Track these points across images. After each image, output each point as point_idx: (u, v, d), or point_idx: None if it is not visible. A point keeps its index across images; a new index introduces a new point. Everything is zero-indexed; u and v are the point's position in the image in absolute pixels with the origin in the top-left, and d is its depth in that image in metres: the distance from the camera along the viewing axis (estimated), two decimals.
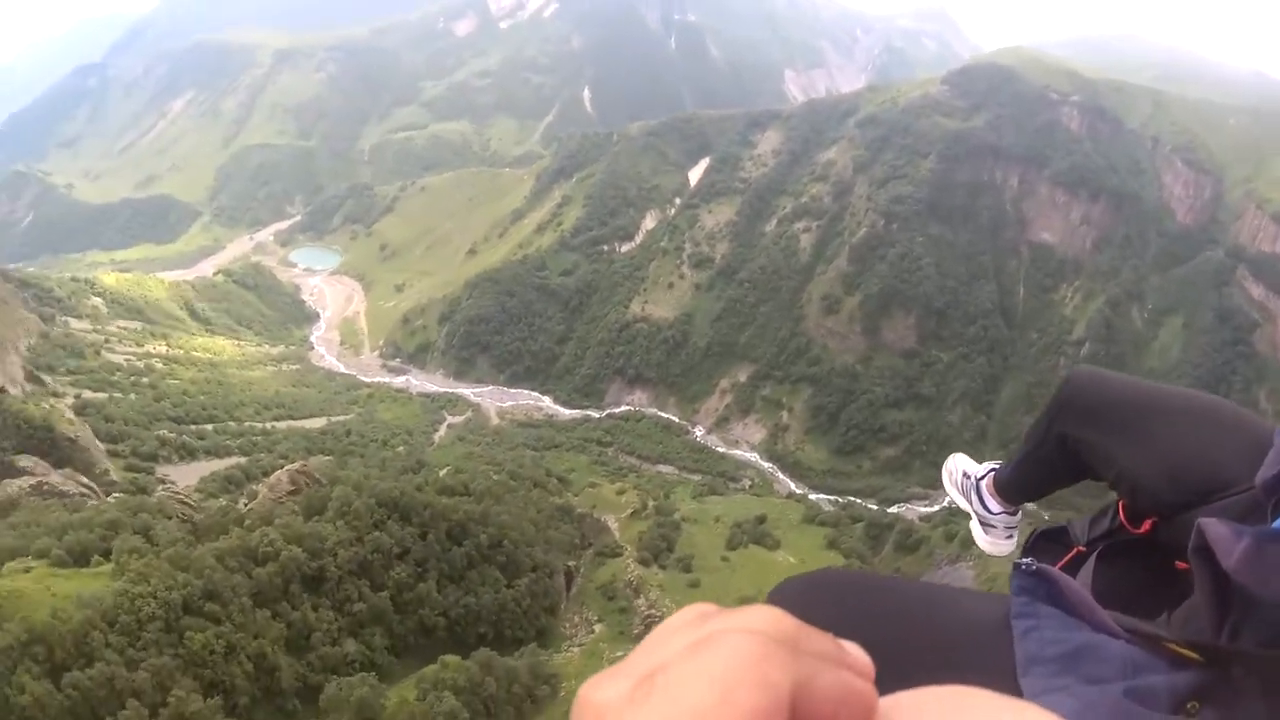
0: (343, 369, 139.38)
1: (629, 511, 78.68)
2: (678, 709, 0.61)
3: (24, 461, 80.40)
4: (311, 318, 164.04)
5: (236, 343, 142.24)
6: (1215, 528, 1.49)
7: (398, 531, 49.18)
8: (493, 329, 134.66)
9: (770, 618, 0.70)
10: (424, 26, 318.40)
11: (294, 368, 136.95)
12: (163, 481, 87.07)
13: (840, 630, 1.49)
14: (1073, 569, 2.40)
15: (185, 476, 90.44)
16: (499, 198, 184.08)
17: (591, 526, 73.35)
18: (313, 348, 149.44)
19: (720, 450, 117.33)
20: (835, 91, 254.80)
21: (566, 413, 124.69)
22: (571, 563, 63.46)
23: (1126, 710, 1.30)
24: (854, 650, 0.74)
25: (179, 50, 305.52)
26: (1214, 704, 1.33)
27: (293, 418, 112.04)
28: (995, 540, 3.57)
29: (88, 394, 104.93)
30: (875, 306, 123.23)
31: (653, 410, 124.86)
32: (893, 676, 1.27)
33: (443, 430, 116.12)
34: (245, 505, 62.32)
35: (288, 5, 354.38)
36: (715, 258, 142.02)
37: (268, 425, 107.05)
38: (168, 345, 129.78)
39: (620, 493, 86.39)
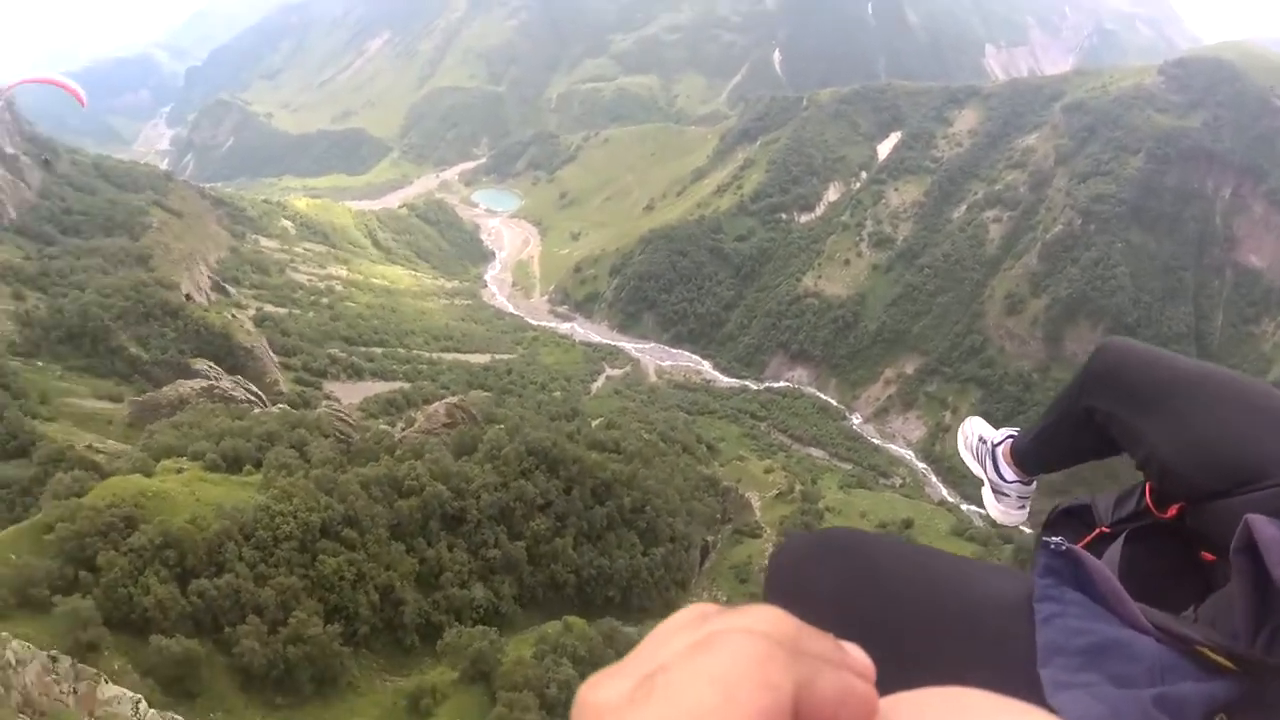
0: (511, 309, 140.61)
1: (774, 492, 75.99)
2: (678, 710, 0.60)
3: (199, 364, 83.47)
4: (487, 257, 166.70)
5: (413, 273, 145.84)
6: (1267, 529, 1.42)
7: (543, 483, 48.01)
8: (661, 286, 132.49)
9: (771, 618, 0.69)
10: None
11: (465, 303, 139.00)
12: (328, 397, 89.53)
13: (846, 594, 1.57)
14: (1094, 550, 2.21)
15: (350, 395, 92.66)
16: (681, 155, 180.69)
17: (734, 502, 70.38)
18: (485, 286, 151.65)
19: (875, 442, 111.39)
20: (1039, 72, 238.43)
21: (724, 380, 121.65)
22: (710, 537, 61.19)
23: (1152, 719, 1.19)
24: (854, 651, 0.72)
25: None
26: (1243, 718, 1.25)
27: (459, 351, 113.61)
28: (1007, 509, 3.43)
29: (269, 308, 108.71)
30: (1061, 312, 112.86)
31: (811, 390, 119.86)
32: (895, 649, 1.36)
33: (600, 381, 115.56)
34: (401, 430, 62.49)
35: None
36: (897, 239, 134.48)
37: (434, 355, 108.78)
38: (348, 270, 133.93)
39: (768, 471, 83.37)
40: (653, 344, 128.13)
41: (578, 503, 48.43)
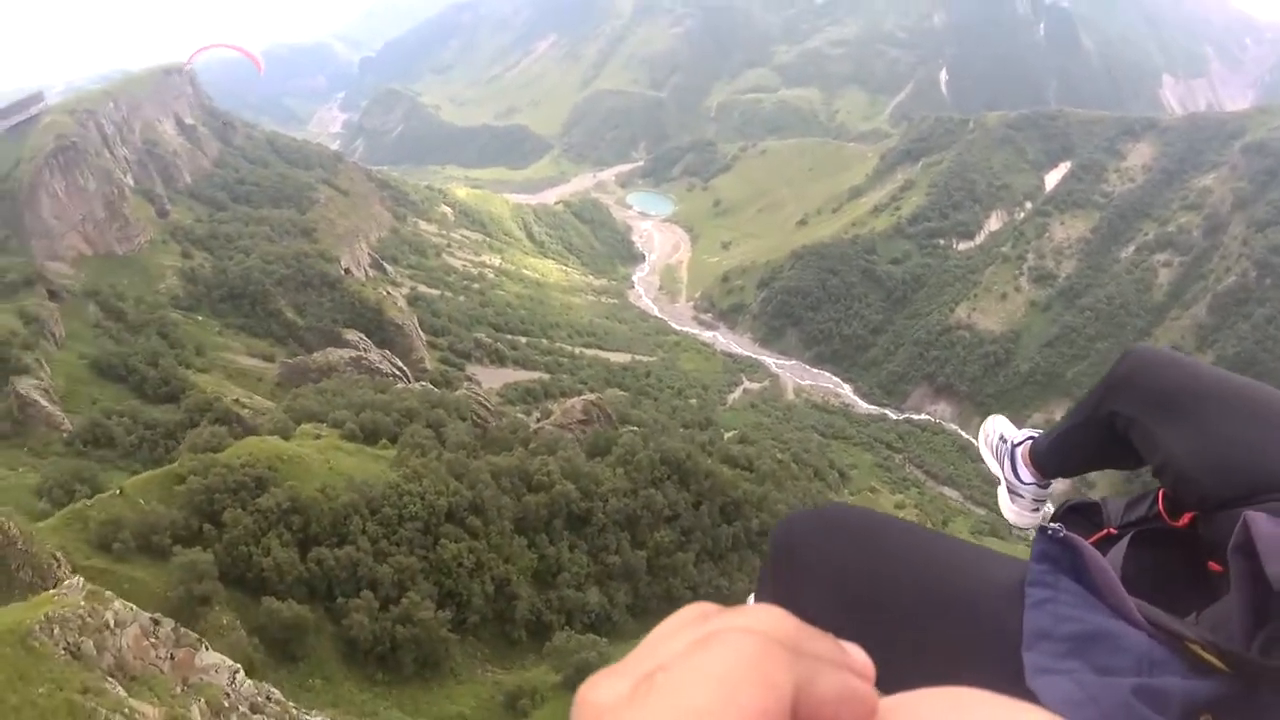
0: (656, 312, 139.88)
1: None
2: (678, 709, 0.58)
3: (350, 335, 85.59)
4: (637, 258, 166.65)
5: (563, 268, 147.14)
6: (1264, 524, 1.41)
7: (673, 494, 46.51)
8: (809, 304, 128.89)
9: (771, 617, 0.68)
10: None
11: (611, 301, 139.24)
12: (469, 379, 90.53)
13: (846, 573, 1.58)
14: (1100, 549, 2.04)
15: (491, 379, 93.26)
16: (839, 171, 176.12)
17: None
18: (632, 286, 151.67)
19: None
20: (1218, 106, 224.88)
21: (863, 406, 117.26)
22: None
23: (1131, 710, 1.18)
24: (854, 651, 0.71)
25: None
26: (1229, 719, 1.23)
27: (600, 348, 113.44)
28: (1021, 510, 3.38)
29: (422, 288, 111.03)
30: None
31: (953, 426, 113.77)
32: (890, 630, 1.37)
33: (737, 393, 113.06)
34: (537, 421, 62.03)
35: None
36: (1059, 276, 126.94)
37: (576, 350, 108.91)
38: (501, 259, 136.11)
39: (899, 506, 79.16)
40: (794, 361, 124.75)
41: (705, 519, 46.65)
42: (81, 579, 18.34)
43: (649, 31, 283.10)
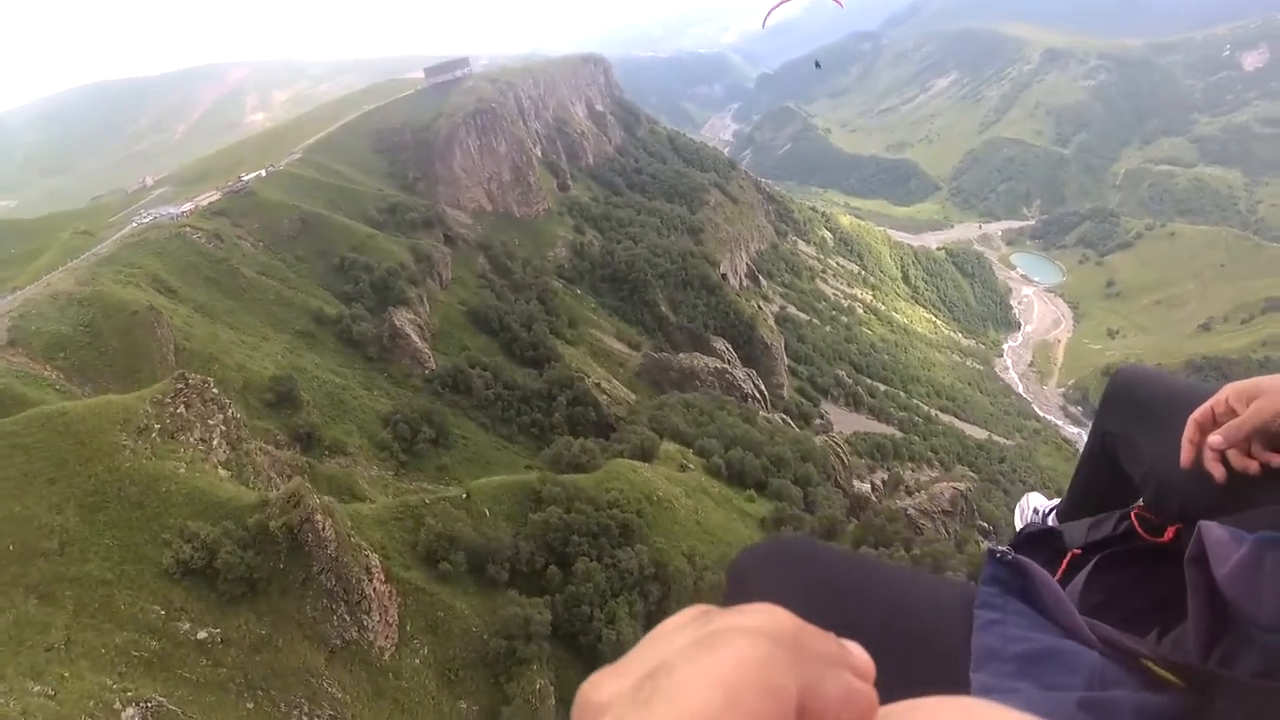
0: (1020, 390, 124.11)
1: None
2: (681, 712, 0.56)
3: (718, 344, 79.52)
4: (1012, 325, 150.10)
5: (933, 319, 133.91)
6: (1214, 531, 1.38)
7: None
8: None
9: (773, 617, 0.66)
10: (1207, 50, 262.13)
11: (976, 367, 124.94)
12: (822, 418, 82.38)
13: (803, 600, 1.46)
14: (1070, 572, 2.16)
15: (842, 421, 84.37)
16: (1256, 275, 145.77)
17: None
18: (1001, 355, 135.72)
19: None
20: None
21: None
22: None
23: None
24: (854, 649, 0.69)
25: (950, 32, 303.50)
26: None
27: (956, 415, 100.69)
28: None
29: (791, 310, 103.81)
30: None
31: None
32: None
33: None
34: (906, 508, 52.35)
35: (1063, 4, 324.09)
36: None
37: (932, 411, 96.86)
38: (873, 295, 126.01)
39: None
40: None
41: None
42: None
43: (1057, 81, 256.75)
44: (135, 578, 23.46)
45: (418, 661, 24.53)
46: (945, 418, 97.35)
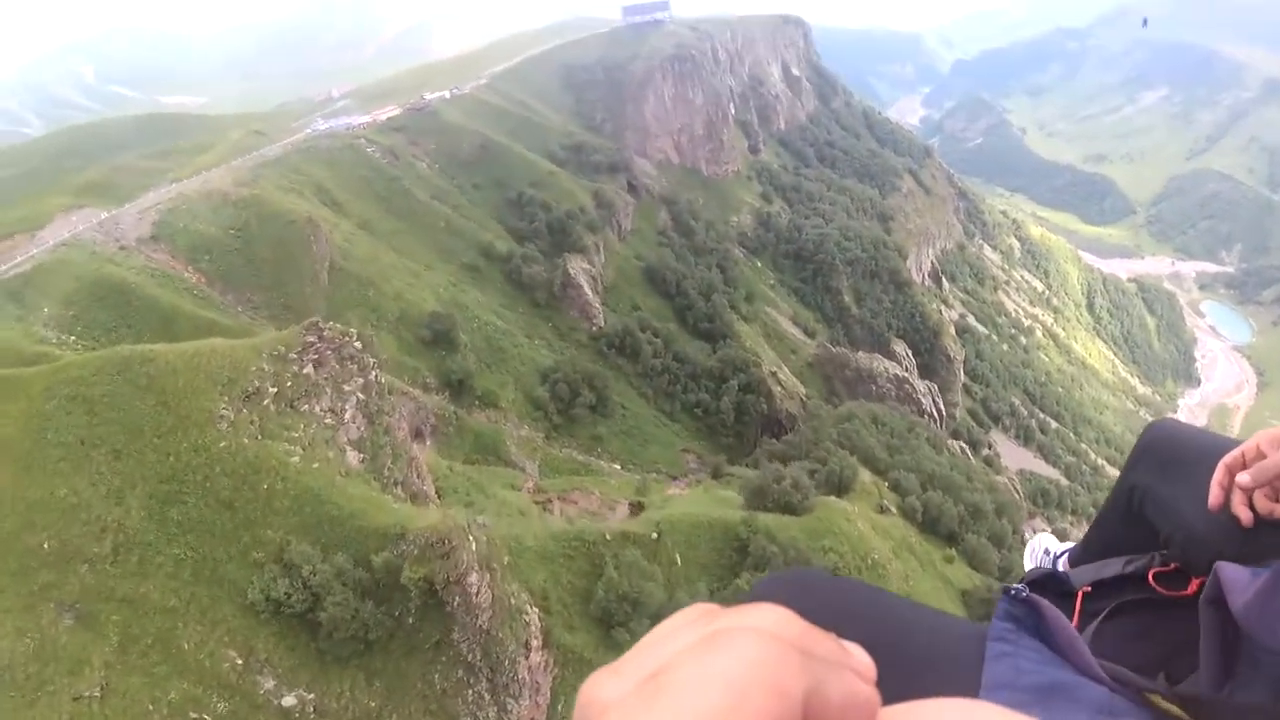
0: None
1: None
2: (687, 712, 0.54)
3: (897, 347, 72.22)
4: (1192, 380, 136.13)
5: (1112, 358, 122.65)
6: (1230, 570, 1.41)
7: None
8: None
9: (778, 618, 0.65)
10: None
11: (1148, 418, 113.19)
12: (990, 447, 74.78)
13: (805, 615, 1.33)
14: (1083, 621, 2.12)
15: (1009, 455, 76.91)
16: None
17: None
18: (1175, 412, 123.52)
19: None
20: None
21: None
22: None
23: None
24: (857, 651, 0.69)
25: (1163, 43, 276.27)
26: None
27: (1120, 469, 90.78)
28: None
29: (971, 320, 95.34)
30: None
31: None
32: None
33: None
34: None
35: None
36: None
37: (1099, 461, 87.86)
38: (1054, 319, 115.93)
39: None
40: None
41: None
42: None
43: (1277, 115, 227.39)
44: (209, 608, 18.53)
45: None
46: (1112, 471, 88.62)
